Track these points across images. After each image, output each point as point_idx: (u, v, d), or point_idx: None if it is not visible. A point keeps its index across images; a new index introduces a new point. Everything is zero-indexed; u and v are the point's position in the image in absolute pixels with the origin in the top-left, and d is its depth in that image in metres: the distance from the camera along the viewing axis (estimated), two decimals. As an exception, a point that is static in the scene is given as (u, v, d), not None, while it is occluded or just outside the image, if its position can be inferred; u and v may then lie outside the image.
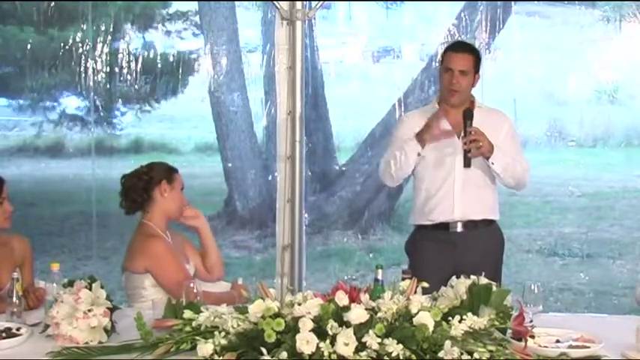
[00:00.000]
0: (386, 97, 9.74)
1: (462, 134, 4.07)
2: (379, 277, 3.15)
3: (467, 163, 4.07)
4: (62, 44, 9.28)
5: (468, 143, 4.02)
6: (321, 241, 9.39)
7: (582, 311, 7.14)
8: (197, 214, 4.03)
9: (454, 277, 3.14)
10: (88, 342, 2.97)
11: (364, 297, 2.75)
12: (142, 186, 3.84)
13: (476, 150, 4.03)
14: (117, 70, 9.98)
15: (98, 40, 9.02)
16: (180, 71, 10.39)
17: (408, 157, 4.15)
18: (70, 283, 3.10)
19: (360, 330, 2.61)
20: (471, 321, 2.77)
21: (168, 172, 3.91)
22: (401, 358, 2.58)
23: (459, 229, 4.22)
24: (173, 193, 3.87)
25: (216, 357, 2.66)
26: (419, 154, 4.14)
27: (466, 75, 4.15)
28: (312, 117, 9.27)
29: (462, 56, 4.17)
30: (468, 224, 4.22)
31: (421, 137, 4.11)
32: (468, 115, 4.07)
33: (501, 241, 4.38)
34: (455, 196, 4.19)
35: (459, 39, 8.70)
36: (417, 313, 2.69)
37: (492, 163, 4.10)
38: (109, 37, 9.19)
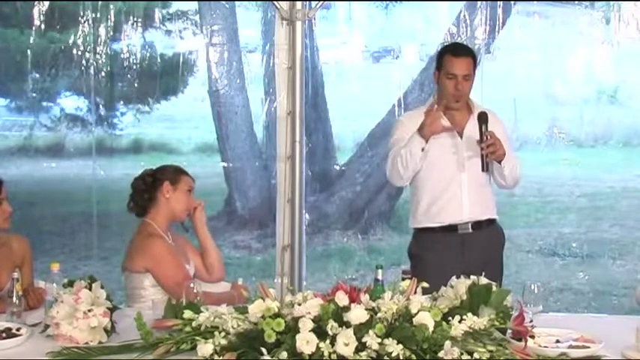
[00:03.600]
0: (386, 97, 9.74)
1: (479, 138, 4.05)
2: (379, 277, 3.15)
3: (485, 168, 4.07)
4: (62, 45, 9.28)
5: (485, 148, 4.02)
6: (321, 241, 9.38)
7: (582, 311, 7.14)
8: (198, 206, 4.01)
9: (454, 277, 3.15)
10: (88, 342, 2.97)
11: (364, 297, 2.75)
12: (145, 188, 3.87)
13: (492, 154, 4.04)
14: (117, 70, 9.98)
15: (98, 41, 9.02)
16: (180, 71, 10.39)
17: (413, 153, 4.08)
18: (70, 283, 3.10)
19: (360, 330, 2.61)
20: (471, 321, 2.77)
21: (174, 174, 3.91)
22: (401, 358, 2.58)
23: (468, 230, 4.21)
24: (177, 195, 3.87)
25: (216, 357, 2.66)
26: (423, 149, 4.08)
27: (469, 79, 4.15)
28: (312, 117, 9.26)
29: (463, 60, 4.16)
30: (475, 225, 4.22)
31: (423, 131, 4.06)
32: (484, 119, 4.06)
33: (503, 239, 4.40)
34: (463, 197, 4.18)
35: (459, 39, 8.71)
36: (417, 313, 2.69)
37: (503, 167, 4.12)
38: (109, 37, 9.19)
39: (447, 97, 4.19)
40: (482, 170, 4.08)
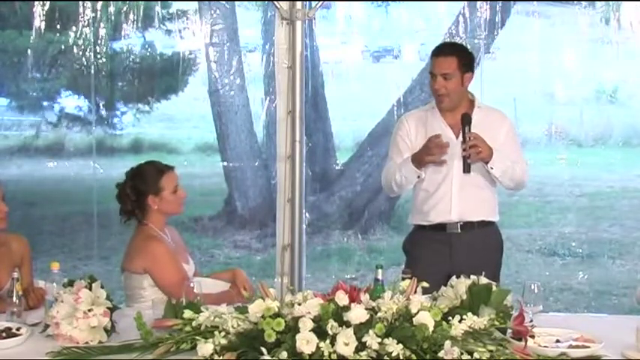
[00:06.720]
0: (386, 97, 9.74)
1: (461, 140, 4.03)
2: (379, 277, 3.15)
3: (466, 169, 4.04)
4: (62, 44, 9.28)
5: (467, 149, 3.99)
6: (321, 241, 9.39)
7: (582, 311, 7.13)
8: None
9: (454, 277, 3.14)
10: (88, 342, 2.97)
11: (364, 297, 2.75)
12: (131, 209, 3.86)
13: (475, 155, 4.00)
14: (117, 69, 9.98)
15: (98, 41, 9.02)
16: (180, 71, 10.39)
17: (408, 179, 4.15)
18: (70, 283, 3.10)
19: (360, 330, 2.61)
20: (471, 321, 2.77)
21: (155, 180, 3.86)
22: (401, 358, 2.58)
23: (456, 230, 4.19)
24: (164, 201, 3.85)
25: (216, 357, 2.66)
26: (419, 177, 4.13)
27: (450, 78, 4.10)
28: (312, 117, 9.27)
29: (443, 60, 4.13)
30: (465, 225, 4.18)
31: (419, 160, 4.08)
32: (467, 120, 4.02)
33: (499, 244, 4.33)
34: (452, 197, 4.15)
35: (458, 39, 8.72)
36: (417, 313, 2.69)
37: (491, 168, 4.07)
38: (109, 37, 9.20)
39: (434, 97, 4.21)
40: (463, 172, 4.05)
